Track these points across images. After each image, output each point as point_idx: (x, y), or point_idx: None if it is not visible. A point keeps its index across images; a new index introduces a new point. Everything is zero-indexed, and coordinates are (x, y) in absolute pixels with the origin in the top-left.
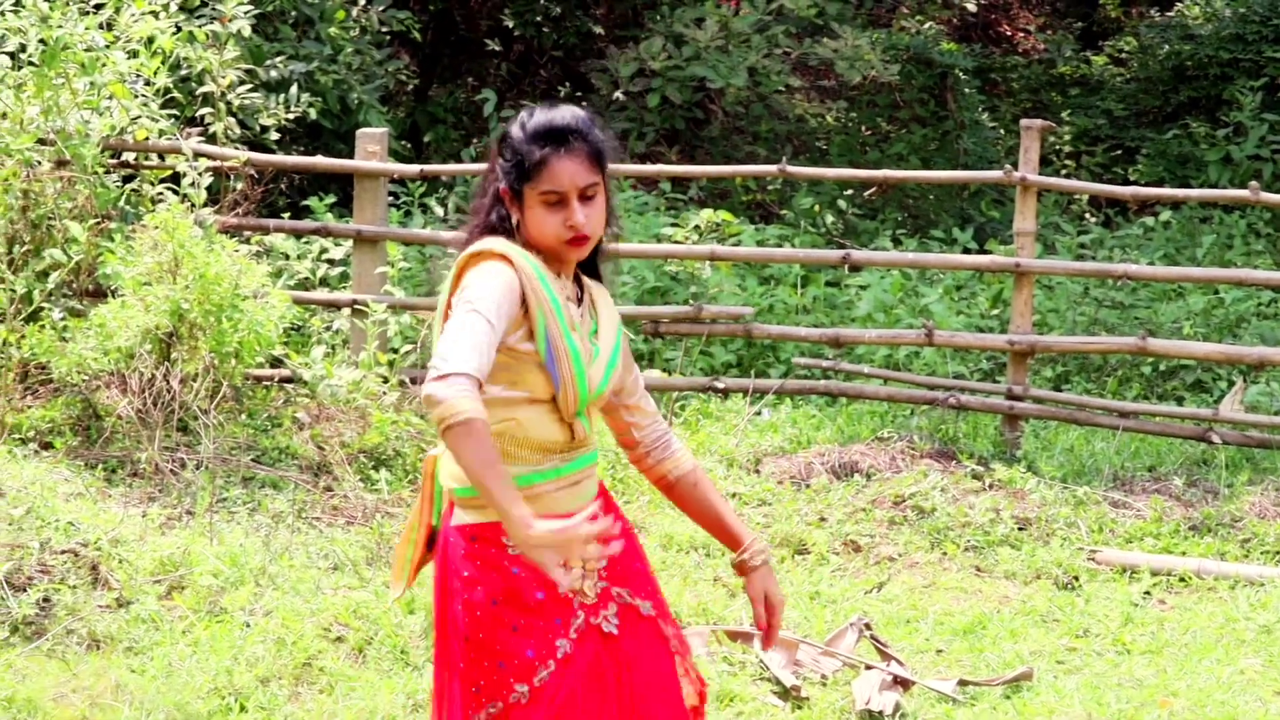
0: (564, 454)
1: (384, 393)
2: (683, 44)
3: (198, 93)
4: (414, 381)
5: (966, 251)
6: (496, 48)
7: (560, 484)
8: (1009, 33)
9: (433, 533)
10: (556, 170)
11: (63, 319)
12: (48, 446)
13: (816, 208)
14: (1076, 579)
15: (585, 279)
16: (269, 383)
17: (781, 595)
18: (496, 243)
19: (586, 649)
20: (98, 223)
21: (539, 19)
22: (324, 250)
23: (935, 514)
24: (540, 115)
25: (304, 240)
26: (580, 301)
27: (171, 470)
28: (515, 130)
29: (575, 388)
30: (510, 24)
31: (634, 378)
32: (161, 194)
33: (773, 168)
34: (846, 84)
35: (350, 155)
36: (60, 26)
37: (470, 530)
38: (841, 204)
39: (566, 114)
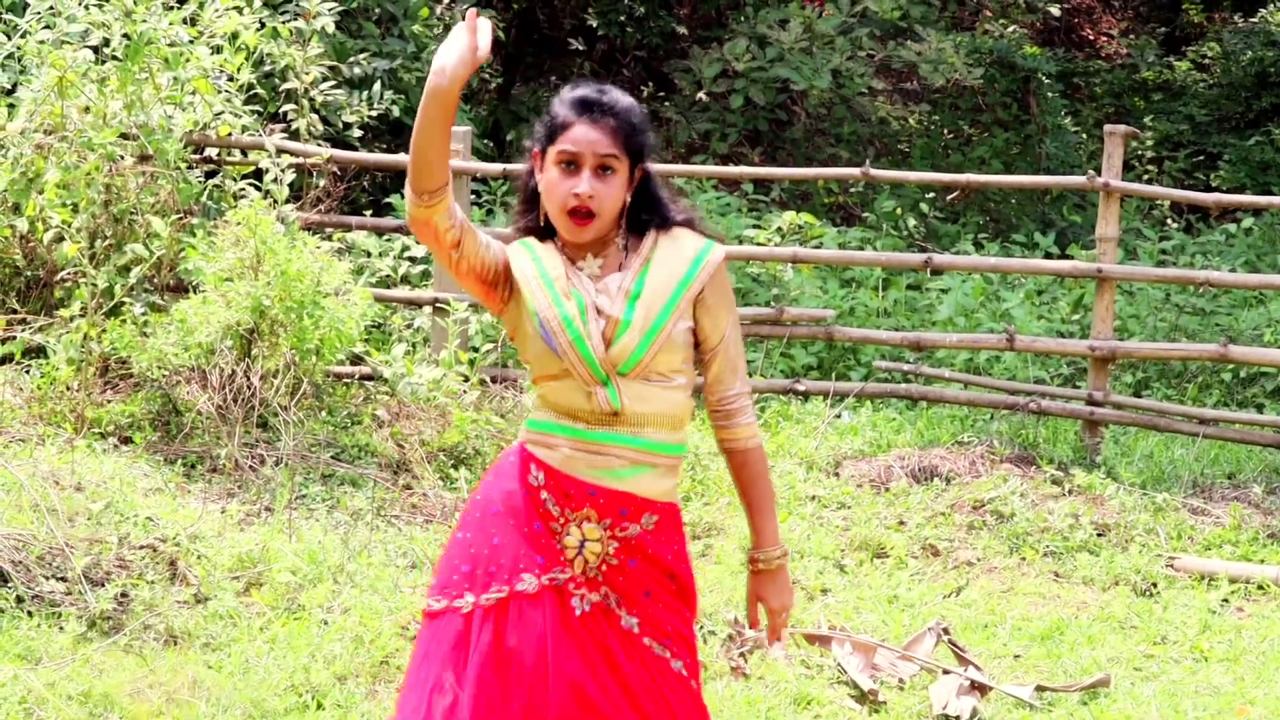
0: (589, 423)
1: (464, 391)
2: (766, 45)
3: (281, 89)
4: (494, 380)
5: (1048, 256)
6: (580, 47)
7: (577, 445)
8: (1092, 37)
9: None
10: (577, 132)
11: (144, 314)
12: (127, 441)
13: (898, 211)
14: (1155, 586)
15: (661, 237)
16: (349, 380)
17: (783, 602)
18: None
19: (545, 601)
20: (180, 218)
21: (622, 19)
22: (405, 248)
23: (1014, 519)
24: (584, 87)
25: (385, 238)
26: (622, 267)
27: (251, 466)
28: (557, 96)
29: (577, 354)
30: (594, 23)
31: (721, 338)
32: (244, 190)
33: (855, 170)
34: (929, 87)
35: None
36: (144, 21)
37: (522, 446)
38: (923, 207)
39: (610, 93)
